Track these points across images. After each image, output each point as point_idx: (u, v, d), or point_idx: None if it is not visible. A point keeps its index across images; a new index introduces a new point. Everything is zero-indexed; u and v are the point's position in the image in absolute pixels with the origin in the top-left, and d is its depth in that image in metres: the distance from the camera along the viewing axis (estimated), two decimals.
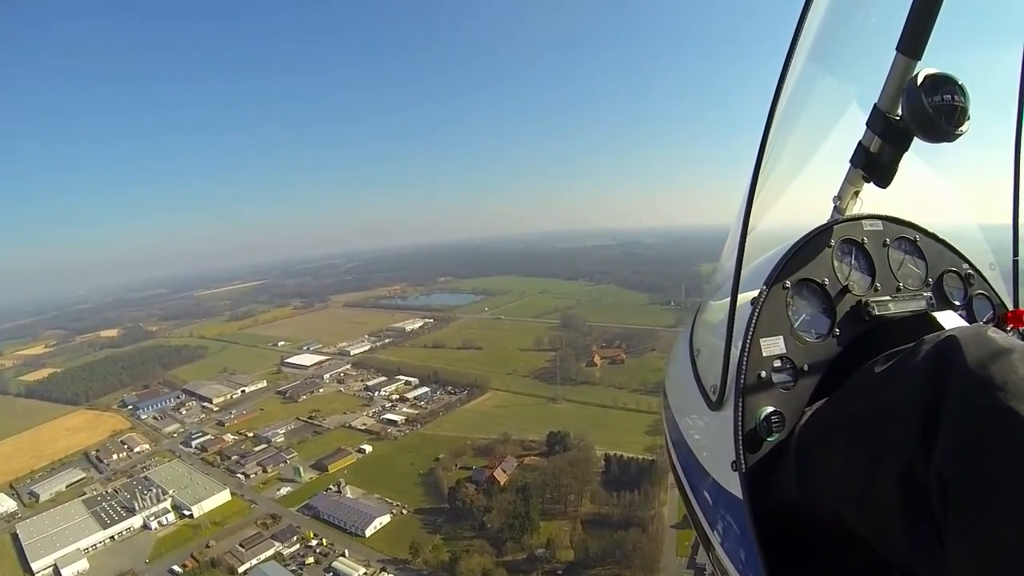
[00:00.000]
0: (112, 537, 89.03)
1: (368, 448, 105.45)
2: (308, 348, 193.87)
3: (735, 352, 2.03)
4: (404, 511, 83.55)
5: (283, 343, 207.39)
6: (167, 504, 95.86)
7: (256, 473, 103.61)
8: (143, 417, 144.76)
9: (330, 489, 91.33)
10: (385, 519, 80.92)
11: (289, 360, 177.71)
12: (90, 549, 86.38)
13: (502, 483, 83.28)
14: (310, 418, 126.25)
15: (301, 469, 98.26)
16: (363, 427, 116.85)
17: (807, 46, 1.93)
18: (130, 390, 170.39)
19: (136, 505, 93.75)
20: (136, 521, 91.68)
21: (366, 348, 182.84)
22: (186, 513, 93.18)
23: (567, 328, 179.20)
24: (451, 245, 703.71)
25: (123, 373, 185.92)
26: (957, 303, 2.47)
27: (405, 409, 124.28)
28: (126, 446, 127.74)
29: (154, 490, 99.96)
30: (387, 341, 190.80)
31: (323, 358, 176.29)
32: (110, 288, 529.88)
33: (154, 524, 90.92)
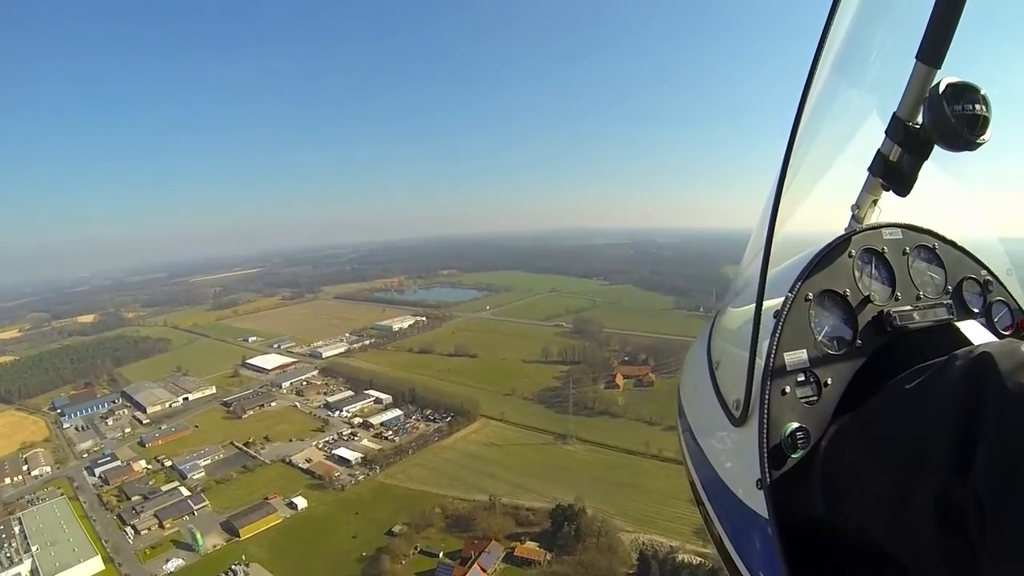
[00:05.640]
0: None
1: (302, 503, 76.84)
2: (278, 346, 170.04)
3: (759, 366, 1.98)
4: None
5: (254, 338, 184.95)
6: (23, 570, 71.32)
7: (150, 528, 76.62)
8: (66, 426, 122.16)
9: (229, 573, 62.85)
10: None
11: (251, 361, 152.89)
12: None
13: None
14: (247, 445, 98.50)
15: (199, 535, 69.85)
16: (306, 464, 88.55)
17: (831, 56, 1.94)
18: (70, 389, 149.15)
19: None
20: None
21: (341, 350, 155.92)
22: None
23: (580, 335, 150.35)
24: (456, 238, 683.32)
25: (71, 367, 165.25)
26: (976, 310, 2.45)
27: (365, 442, 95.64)
28: (27, 466, 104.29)
29: (15, 545, 76.82)
30: (368, 342, 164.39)
31: (289, 360, 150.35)
32: (114, 271, 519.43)
33: None
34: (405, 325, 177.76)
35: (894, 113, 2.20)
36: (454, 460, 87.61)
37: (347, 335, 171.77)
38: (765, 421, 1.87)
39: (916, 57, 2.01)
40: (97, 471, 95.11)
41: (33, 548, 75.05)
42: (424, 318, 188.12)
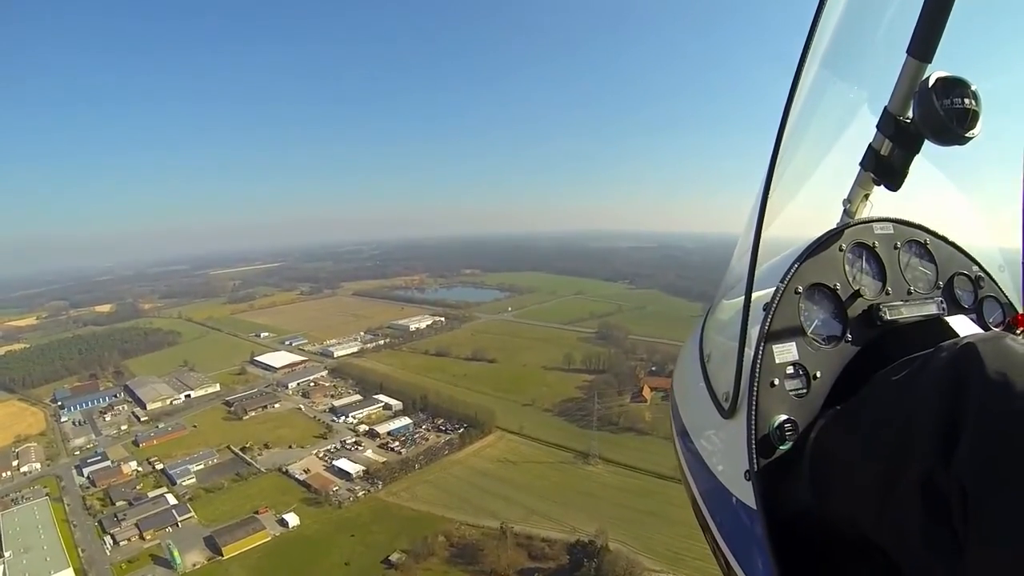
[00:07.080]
0: None
1: (294, 520, 69.47)
2: (290, 343, 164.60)
3: (748, 358, 1.99)
4: None
5: (266, 334, 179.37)
6: None
7: (130, 539, 70.55)
8: (64, 419, 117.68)
9: None
10: None
11: (259, 358, 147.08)
12: None
13: None
14: (243, 449, 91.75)
15: (176, 552, 63.00)
16: (304, 475, 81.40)
17: (820, 51, 1.95)
18: (75, 380, 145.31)
19: None
20: None
21: (354, 350, 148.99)
22: None
23: (606, 341, 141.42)
24: (480, 237, 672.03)
25: (78, 358, 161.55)
26: (967, 305, 2.45)
27: (369, 453, 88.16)
28: (18, 461, 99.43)
29: None
30: (382, 342, 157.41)
31: (299, 358, 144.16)
32: (137, 262, 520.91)
33: None
34: (423, 325, 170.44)
35: (885, 107, 2.19)
36: (464, 478, 79.56)
37: (361, 334, 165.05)
38: (754, 413, 1.87)
39: (907, 52, 2.00)
40: (86, 471, 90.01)
41: (6, 554, 69.83)
42: (443, 318, 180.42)
